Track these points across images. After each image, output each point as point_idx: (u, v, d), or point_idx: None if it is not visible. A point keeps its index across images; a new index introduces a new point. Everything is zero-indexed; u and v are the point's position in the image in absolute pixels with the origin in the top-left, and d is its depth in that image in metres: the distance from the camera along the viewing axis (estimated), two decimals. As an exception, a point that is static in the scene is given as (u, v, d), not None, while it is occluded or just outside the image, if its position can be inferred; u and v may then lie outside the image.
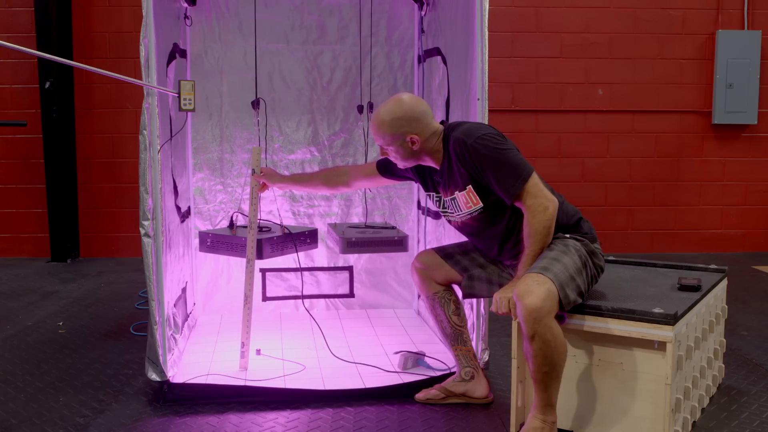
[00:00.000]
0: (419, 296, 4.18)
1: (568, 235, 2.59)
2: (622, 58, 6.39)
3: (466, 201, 2.64)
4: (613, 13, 6.35)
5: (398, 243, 3.44)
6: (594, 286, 2.64)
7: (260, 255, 3.20)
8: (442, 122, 2.74)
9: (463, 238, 2.91)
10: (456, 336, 2.92)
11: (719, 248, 6.63)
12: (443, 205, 2.78)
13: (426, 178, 2.83)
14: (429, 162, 2.72)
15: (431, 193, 2.84)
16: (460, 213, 2.70)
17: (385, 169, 2.97)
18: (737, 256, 6.39)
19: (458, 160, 2.58)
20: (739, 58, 6.36)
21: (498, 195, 2.57)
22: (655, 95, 6.44)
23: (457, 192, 2.66)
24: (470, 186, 2.61)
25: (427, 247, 3.82)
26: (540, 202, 2.49)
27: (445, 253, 2.91)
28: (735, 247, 6.65)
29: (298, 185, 3.43)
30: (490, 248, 2.78)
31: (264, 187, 3.28)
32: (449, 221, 2.83)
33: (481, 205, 2.62)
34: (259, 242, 3.18)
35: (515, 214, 2.61)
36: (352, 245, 3.37)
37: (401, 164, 2.76)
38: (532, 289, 2.32)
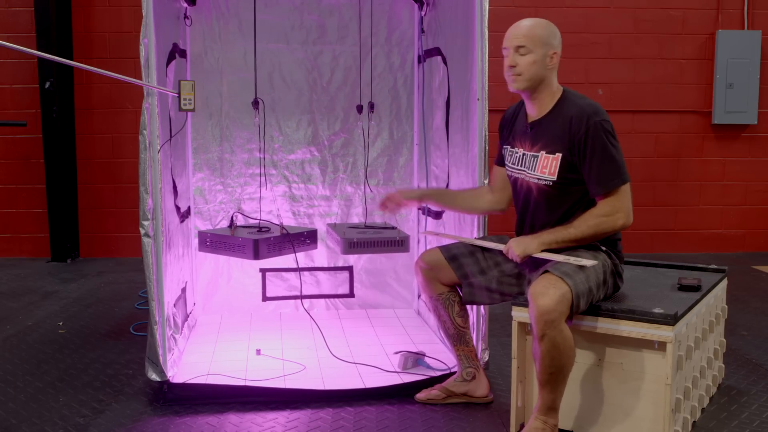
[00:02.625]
0: (419, 296, 4.18)
1: (604, 248, 2.59)
2: (622, 58, 6.39)
3: (545, 166, 2.59)
4: (613, 13, 6.35)
5: (399, 243, 3.44)
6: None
7: (256, 255, 3.20)
8: None
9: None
10: (459, 337, 2.91)
11: (719, 248, 6.62)
12: (519, 160, 2.69)
13: (512, 129, 2.75)
14: (536, 100, 2.63)
15: (506, 147, 2.77)
16: (531, 173, 2.63)
17: (502, 158, 2.85)
18: (737, 256, 6.39)
19: (571, 124, 2.52)
20: (739, 58, 6.35)
21: (577, 177, 2.53)
22: (655, 95, 6.44)
23: (543, 152, 2.60)
24: (560, 155, 2.56)
25: (428, 247, 3.81)
26: (616, 210, 2.50)
27: (449, 254, 2.85)
28: (735, 247, 6.65)
29: (440, 203, 3.22)
30: (527, 225, 2.71)
31: (397, 208, 3.09)
32: (513, 181, 2.74)
33: (555, 177, 2.57)
34: (256, 242, 3.18)
35: (574, 208, 2.58)
36: (353, 246, 3.36)
37: (521, 83, 2.60)
38: (548, 291, 2.31)
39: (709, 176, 6.56)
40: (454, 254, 2.85)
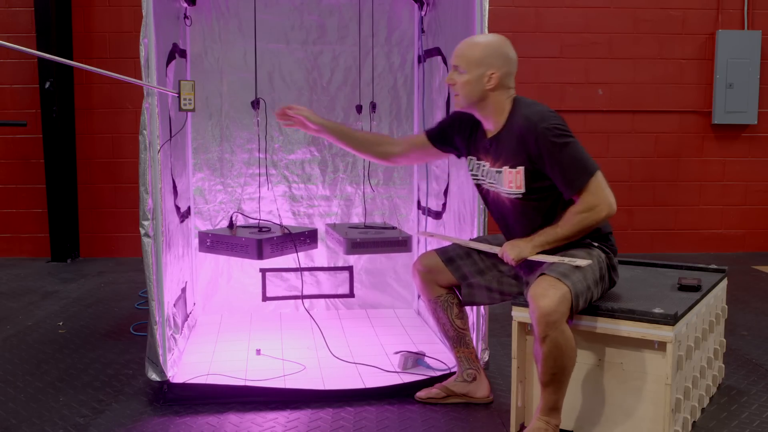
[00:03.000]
0: (419, 296, 4.18)
1: (596, 244, 2.58)
2: (622, 58, 6.39)
3: (510, 181, 2.57)
4: (613, 13, 6.35)
5: (402, 243, 3.44)
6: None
7: (260, 255, 3.20)
8: None
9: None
10: (459, 339, 2.91)
11: (719, 248, 6.62)
12: (486, 174, 2.68)
13: (471, 141, 2.73)
14: (488, 118, 2.62)
15: (472, 158, 2.75)
16: (501, 188, 2.62)
17: (440, 138, 2.84)
18: (737, 256, 6.39)
19: (521, 137, 2.51)
20: (739, 58, 6.35)
21: (547, 186, 2.52)
22: (655, 95, 6.44)
23: (506, 167, 2.58)
24: (522, 168, 2.54)
25: (428, 248, 3.81)
26: (597, 202, 2.45)
27: (446, 256, 2.84)
28: (735, 247, 6.65)
29: (339, 138, 2.93)
30: (514, 233, 2.70)
31: (300, 125, 2.91)
32: (483, 190, 2.74)
33: (523, 190, 2.56)
34: (259, 242, 3.18)
35: (554, 208, 2.57)
36: (356, 246, 3.36)
37: (461, 101, 2.61)
38: (548, 293, 2.31)
39: (709, 176, 6.56)
40: (450, 257, 2.84)
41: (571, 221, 2.49)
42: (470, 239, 2.96)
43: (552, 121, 2.49)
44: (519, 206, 2.61)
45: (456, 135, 2.79)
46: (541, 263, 2.51)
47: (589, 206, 2.46)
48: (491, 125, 2.63)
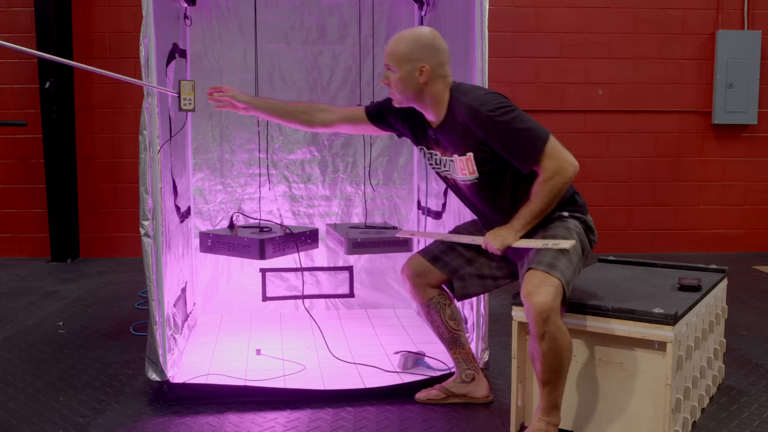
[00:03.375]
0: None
1: (566, 213, 2.57)
2: (622, 58, 6.39)
3: (463, 168, 2.58)
4: (613, 13, 6.35)
5: (402, 243, 3.44)
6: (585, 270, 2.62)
7: (262, 255, 3.20)
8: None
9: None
10: (453, 340, 2.91)
11: (719, 248, 6.63)
12: (439, 162, 2.69)
13: (418, 132, 2.73)
14: (428, 110, 2.62)
15: (422, 148, 2.75)
16: (456, 175, 2.64)
17: (377, 116, 2.84)
18: (737, 256, 6.39)
19: (466, 126, 2.51)
20: (739, 58, 6.36)
21: (499, 164, 2.52)
22: (655, 95, 6.44)
23: (456, 156, 2.59)
24: (471, 154, 2.54)
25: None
26: (560, 164, 2.43)
27: (431, 255, 2.84)
28: (735, 247, 6.65)
29: (268, 113, 2.93)
30: (490, 218, 2.70)
31: (230, 105, 2.90)
32: (443, 178, 2.76)
33: (476, 174, 2.56)
34: (261, 242, 3.18)
35: (517, 183, 2.56)
36: (357, 246, 3.36)
37: (398, 98, 2.63)
38: (541, 290, 2.31)
39: (709, 176, 6.57)
40: (435, 254, 2.83)
41: (542, 192, 2.46)
42: (449, 231, 2.96)
43: (493, 102, 2.47)
44: (478, 189, 2.61)
45: (395, 118, 2.79)
46: (527, 249, 2.51)
47: (553, 171, 2.44)
48: (433, 116, 2.63)
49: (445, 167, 2.67)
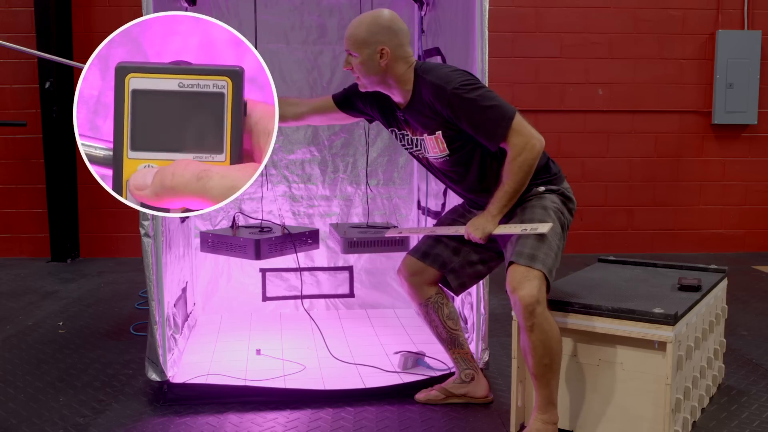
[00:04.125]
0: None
1: (542, 188, 2.57)
2: (622, 58, 6.39)
3: (433, 146, 2.58)
4: (613, 13, 6.35)
5: (399, 243, 3.44)
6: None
7: (258, 255, 3.20)
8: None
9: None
10: (452, 340, 2.91)
11: (719, 248, 6.63)
12: (411, 142, 2.70)
13: (387, 114, 2.73)
14: (394, 92, 2.62)
15: (393, 130, 2.76)
16: (427, 154, 2.65)
17: (345, 103, 2.84)
18: (737, 256, 6.39)
19: (432, 104, 2.51)
20: (739, 58, 6.36)
21: (467, 140, 2.52)
22: (655, 95, 6.44)
23: (425, 135, 2.59)
24: (439, 132, 2.55)
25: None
26: (526, 140, 2.43)
27: (420, 253, 2.85)
28: (735, 247, 6.65)
29: None
30: (465, 194, 2.72)
31: None
32: (416, 158, 2.77)
33: (447, 152, 2.57)
34: (257, 243, 3.18)
35: (484, 160, 2.57)
36: (354, 245, 3.37)
37: (363, 82, 2.61)
38: (524, 285, 2.34)
39: (709, 176, 6.57)
40: (424, 251, 2.85)
41: (513, 170, 2.46)
42: (434, 225, 2.97)
43: (458, 79, 2.47)
44: (450, 166, 2.62)
45: (363, 103, 2.79)
46: (508, 236, 2.52)
47: (521, 147, 2.44)
48: (399, 98, 2.63)
49: (417, 147, 2.68)
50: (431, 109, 2.53)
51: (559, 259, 2.49)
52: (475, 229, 2.55)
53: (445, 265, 2.81)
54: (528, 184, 2.51)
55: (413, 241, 4.05)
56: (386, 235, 3.20)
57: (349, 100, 2.83)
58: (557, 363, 2.42)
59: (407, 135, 2.70)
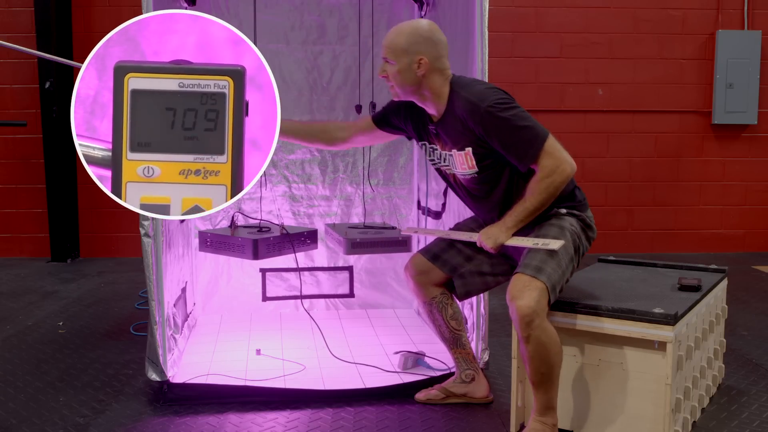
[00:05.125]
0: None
1: (564, 210, 2.57)
2: (622, 58, 6.39)
3: (462, 162, 2.58)
4: (613, 13, 6.35)
5: (401, 243, 3.44)
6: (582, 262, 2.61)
7: (255, 255, 3.20)
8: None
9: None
10: (455, 340, 2.91)
11: (719, 248, 6.63)
12: (440, 157, 2.69)
13: (420, 127, 2.73)
14: (428, 104, 2.61)
15: (424, 143, 2.75)
16: (455, 170, 2.64)
17: (382, 121, 2.85)
18: (737, 256, 6.39)
19: (465, 121, 2.50)
20: (739, 58, 6.36)
21: (498, 159, 2.51)
22: (655, 95, 6.44)
23: (455, 150, 2.59)
24: (469, 149, 2.54)
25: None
26: (558, 163, 2.43)
27: (431, 254, 2.85)
28: (735, 247, 6.65)
29: (287, 135, 2.83)
30: (486, 213, 2.71)
31: None
32: (443, 174, 2.76)
33: (476, 169, 2.56)
34: (255, 242, 3.18)
35: (512, 180, 2.56)
36: (356, 246, 3.36)
37: (397, 91, 2.61)
38: (524, 294, 2.32)
39: (709, 176, 6.57)
40: (435, 253, 2.84)
41: (537, 190, 2.46)
42: (449, 229, 2.96)
43: (493, 97, 2.46)
44: (477, 184, 2.61)
45: (398, 119, 2.79)
46: (521, 248, 2.51)
47: (551, 170, 2.44)
48: (433, 110, 2.62)
49: (445, 162, 2.67)
50: (463, 125, 2.52)
51: (566, 278, 2.47)
52: (487, 237, 2.55)
53: (455, 270, 2.81)
54: (550, 205, 2.52)
55: (415, 242, 4.06)
56: (402, 233, 3.20)
57: (386, 118, 2.84)
58: (556, 373, 2.40)
59: (437, 149, 2.69)
